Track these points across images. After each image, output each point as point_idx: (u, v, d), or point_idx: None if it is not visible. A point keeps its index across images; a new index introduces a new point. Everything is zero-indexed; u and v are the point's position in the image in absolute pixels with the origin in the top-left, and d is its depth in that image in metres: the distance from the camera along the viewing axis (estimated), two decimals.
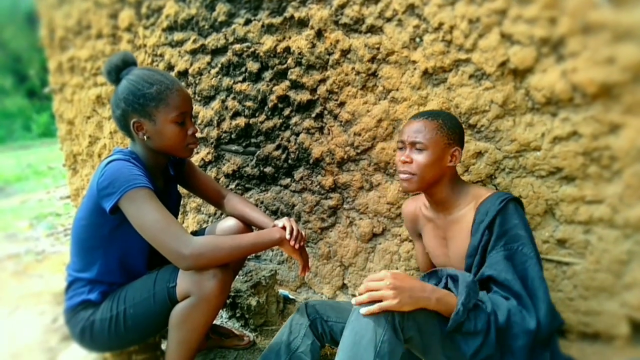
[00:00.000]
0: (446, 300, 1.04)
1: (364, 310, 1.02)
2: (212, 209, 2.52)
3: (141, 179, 1.23)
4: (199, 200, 2.51)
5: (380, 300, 1.00)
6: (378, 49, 1.71)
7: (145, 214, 1.20)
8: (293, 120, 2.01)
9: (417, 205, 1.49)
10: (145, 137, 1.32)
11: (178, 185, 1.61)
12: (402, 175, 1.27)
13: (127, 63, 1.35)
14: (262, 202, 2.22)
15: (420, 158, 1.23)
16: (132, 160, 1.30)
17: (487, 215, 1.18)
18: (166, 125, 1.31)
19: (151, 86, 1.29)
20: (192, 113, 1.38)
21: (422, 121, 1.25)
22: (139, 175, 1.24)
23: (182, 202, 2.53)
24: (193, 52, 2.25)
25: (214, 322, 1.85)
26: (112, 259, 1.33)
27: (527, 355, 1.05)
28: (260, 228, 1.52)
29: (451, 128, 1.25)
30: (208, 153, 2.33)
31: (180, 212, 2.55)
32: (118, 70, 1.34)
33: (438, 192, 1.30)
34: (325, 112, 1.92)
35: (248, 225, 1.56)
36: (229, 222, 1.54)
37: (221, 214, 2.49)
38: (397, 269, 1.87)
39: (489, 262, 1.15)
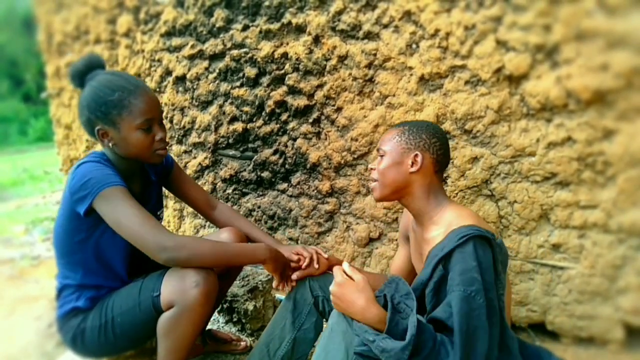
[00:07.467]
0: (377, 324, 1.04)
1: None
2: None
3: (114, 177, 1.22)
4: None
5: None
6: (375, 55, 1.73)
7: (120, 211, 1.17)
8: (290, 125, 2.02)
9: None
10: (110, 144, 1.28)
11: (167, 191, 1.59)
12: (370, 183, 1.28)
13: (92, 67, 1.30)
14: (259, 207, 2.22)
15: (380, 164, 1.22)
16: (103, 161, 1.28)
17: (443, 250, 1.07)
18: (131, 132, 1.25)
19: (113, 93, 1.23)
20: (162, 117, 1.33)
21: (390, 130, 1.26)
22: (112, 174, 1.22)
23: (179, 207, 2.52)
24: (191, 58, 2.26)
25: (211, 327, 1.85)
26: (92, 261, 1.32)
27: None
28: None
29: (414, 133, 1.20)
30: (205, 158, 2.33)
31: (177, 217, 2.54)
32: (81, 75, 1.30)
33: (410, 204, 1.22)
34: (323, 117, 1.93)
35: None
36: (223, 235, 1.48)
37: None
38: None
39: (443, 305, 1.03)
